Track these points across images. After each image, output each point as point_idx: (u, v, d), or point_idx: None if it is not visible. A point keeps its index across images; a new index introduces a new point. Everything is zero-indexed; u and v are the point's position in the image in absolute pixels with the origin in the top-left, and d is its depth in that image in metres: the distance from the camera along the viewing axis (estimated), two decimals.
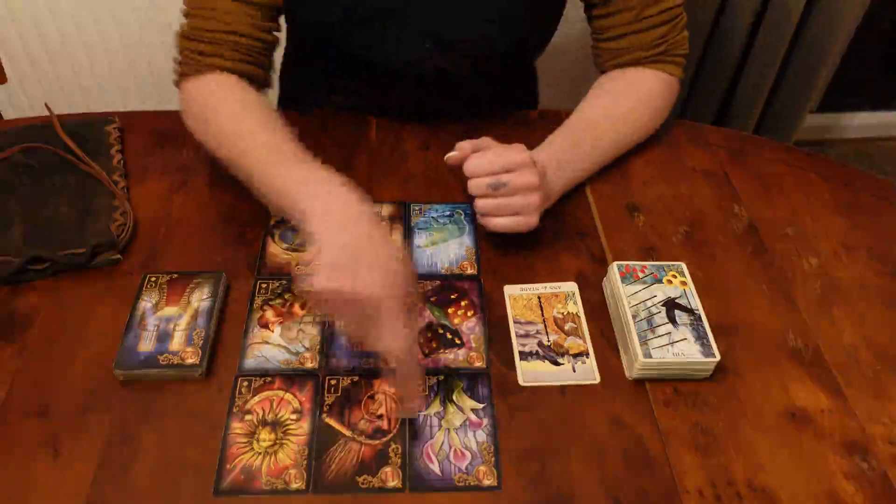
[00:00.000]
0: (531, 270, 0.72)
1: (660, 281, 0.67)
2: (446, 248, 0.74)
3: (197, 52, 0.75)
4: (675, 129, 0.91)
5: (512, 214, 0.69)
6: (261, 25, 0.76)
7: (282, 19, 0.83)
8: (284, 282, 0.69)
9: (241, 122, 0.71)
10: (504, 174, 0.68)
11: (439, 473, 0.56)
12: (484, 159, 0.68)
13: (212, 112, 0.73)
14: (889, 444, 0.59)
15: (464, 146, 0.70)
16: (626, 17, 0.81)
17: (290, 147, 0.67)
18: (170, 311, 0.65)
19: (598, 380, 0.63)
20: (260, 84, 0.79)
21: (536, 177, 0.68)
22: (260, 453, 0.56)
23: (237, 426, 0.58)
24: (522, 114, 0.93)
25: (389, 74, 0.85)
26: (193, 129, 0.76)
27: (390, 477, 0.56)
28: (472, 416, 0.60)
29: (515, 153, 0.69)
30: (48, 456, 0.56)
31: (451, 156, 0.70)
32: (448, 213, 0.78)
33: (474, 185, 0.69)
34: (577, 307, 0.69)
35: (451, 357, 0.64)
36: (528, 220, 0.69)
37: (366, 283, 0.53)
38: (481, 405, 0.61)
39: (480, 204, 0.69)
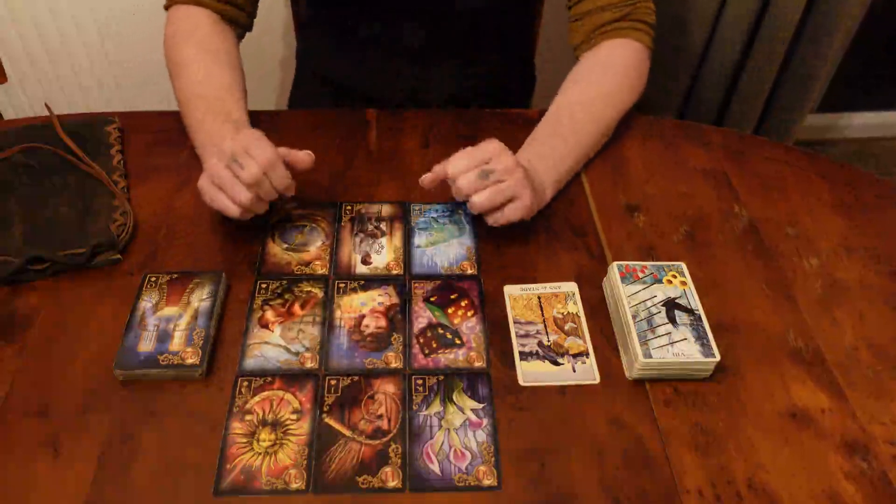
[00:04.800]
0: (531, 270, 0.72)
1: (660, 281, 0.67)
2: (446, 248, 0.74)
3: None
4: (675, 129, 0.91)
5: (508, 200, 0.69)
6: None
7: None
8: (284, 282, 0.69)
9: (192, 67, 0.81)
10: (485, 165, 0.68)
11: (439, 473, 0.56)
12: (462, 158, 0.69)
13: (179, 48, 0.83)
14: (889, 444, 0.59)
15: (435, 168, 0.71)
16: None
17: (222, 103, 0.78)
18: (170, 311, 0.65)
19: (598, 380, 0.63)
20: (241, 26, 0.89)
21: (512, 157, 0.70)
22: (260, 453, 0.56)
23: (237, 426, 0.58)
24: (522, 114, 0.93)
25: (392, 8, 0.90)
26: (165, 53, 0.85)
27: (390, 477, 0.56)
28: (472, 416, 0.60)
29: (486, 143, 0.70)
30: (48, 456, 0.56)
31: (426, 177, 0.72)
32: (448, 213, 0.78)
33: (464, 182, 0.69)
34: (577, 307, 0.69)
35: (451, 357, 0.64)
36: (524, 201, 0.69)
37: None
38: (481, 405, 0.61)
39: (476, 200, 0.69)
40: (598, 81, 0.84)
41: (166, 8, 0.87)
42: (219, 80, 0.80)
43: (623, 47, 0.85)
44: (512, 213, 0.69)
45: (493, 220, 0.70)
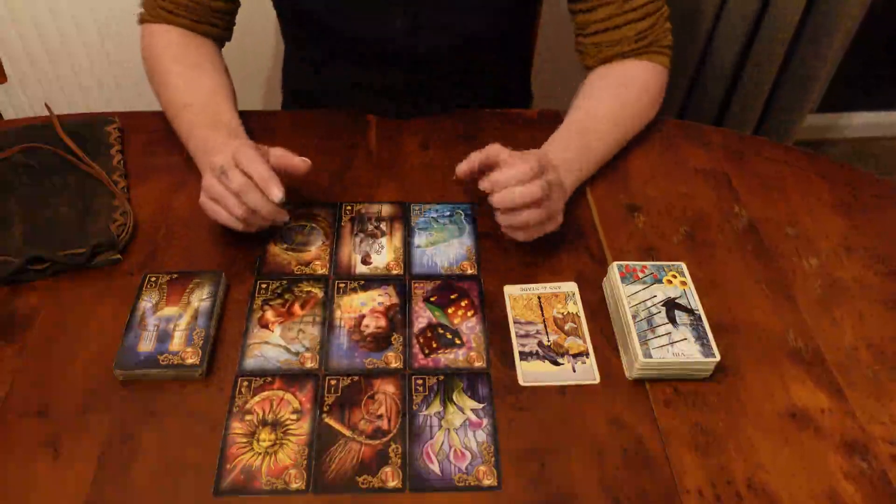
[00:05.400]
0: (531, 270, 0.72)
1: (660, 281, 0.67)
2: (446, 248, 0.74)
3: (158, 3, 0.83)
4: (675, 129, 0.91)
5: (546, 220, 0.69)
6: (211, 2, 0.84)
7: None
8: (284, 282, 0.69)
9: (173, 79, 0.81)
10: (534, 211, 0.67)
11: (439, 473, 0.56)
12: (520, 196, 0.65)
13: (157, 61, 0.83)
14: (889, 444, 0.59)
15: (473, 158, 0.70)
16: (607, 11, 0.82)
17: (208, 109, 0.78)
18: (170, 311, 0.65)
19: (597, 380, 0.63)
20: (216, 38, 0.88)
21: (563, 201, 0.71)
22: (260, 453, 0.56)
23: (237, 426, 0.58)
24: (522, 114, 0.93)
25: (375, 54, 0.88)
26: (145, 70, 0.86)
27: (390, 477, 0.56)
28: (472, 416, 0.60)
29: (534, 188, 0.65)
30: (48, 456, 0.56)
31: (461, 168, 0.70)
32: (448, 213, 0.78)
33: (520, 195, 0.65)
34: (577, 307, 0.69)
35: (451, 357, 0.64)
36: (558, 220, 0.70)
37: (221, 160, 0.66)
38: (481, 405, 0.61)
39: (523, 216, 0.67)
40: (617, 94, 0.83)
41: (140, 23, 0.87)
42: (202, 87, 0.80)
43: (643, 68, 0.85)
44: (543, 231, 0.70)
45: (523, 237, 0.69)
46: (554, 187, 0.68)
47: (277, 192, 0.65)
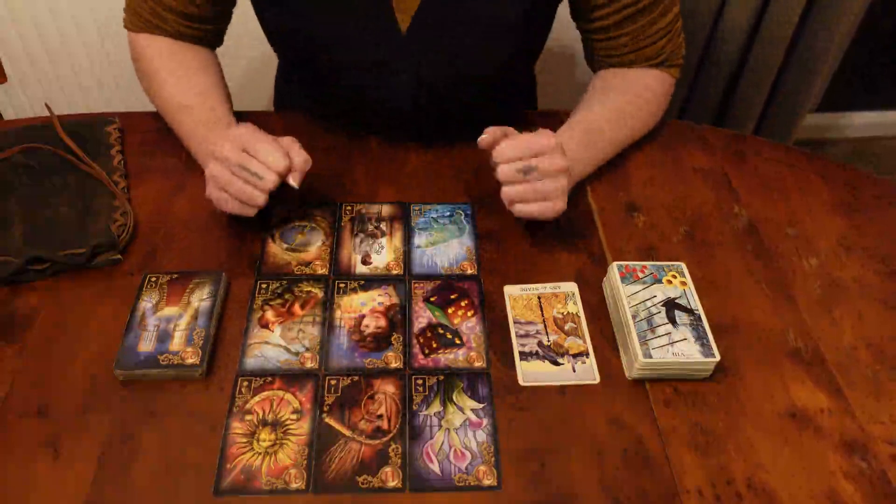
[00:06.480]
0: (531, 270, 0.72)
1: (660, 281, 0.67)
2: (446, 248, 0.74)
3: (139, 14, 0.81)
4: (675, 130, 0.91)
5: (541, 200, 0.68)
6: (195, 27, 0.82)
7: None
8: (284, 282, 0.69)
9: (167, 85, 0.80)
10: (533, 159, 0.67)
11: (439, 473, 0.56)
12: (513, 145, 0.68)
13: (148, 68, 0.82)
14: (889, 444, 0.59)
15: (494, 130, 0.69)
16: (625, 40, 0.82)
17: (203, 108, 0.78)
18: (170, 311, 0.65)
19: (597, 380, 0.63)
20: (207, 46, 0.86)
21: (565, 161, 0.68)
22: (260, 453, 0.57)
23: (237, 426, 0.58)
24: (522, 114, 0.93)
25: (378, 108, 0.86)
26: (138, 76, 0.85)
27: (390, 477, 0.56)
28: (472, 416, 0.60)
29: (544, 138, 0.68)
30: (48, 456, 0.56)
31: (483, 139, 0.69)
32: (448, 213, 0.78)
33: (504, 172, 0.68)
34: (576, 307, 0.69)
35: (451, 357, 0.64)
36: (556, 205, 0.69)
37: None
38: (481, 405, 0.61)
39: (509, 191, 0.68)
40: (623, 97, 0.83)
41: (125, 27, 0.84)
42: (196, 87, 0.80)
43: (651, 75, 0.85)
44: (538, 212, 0.69)
45: (517, 210, 0.69)
46: (553, 173, 0.67)
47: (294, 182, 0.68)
